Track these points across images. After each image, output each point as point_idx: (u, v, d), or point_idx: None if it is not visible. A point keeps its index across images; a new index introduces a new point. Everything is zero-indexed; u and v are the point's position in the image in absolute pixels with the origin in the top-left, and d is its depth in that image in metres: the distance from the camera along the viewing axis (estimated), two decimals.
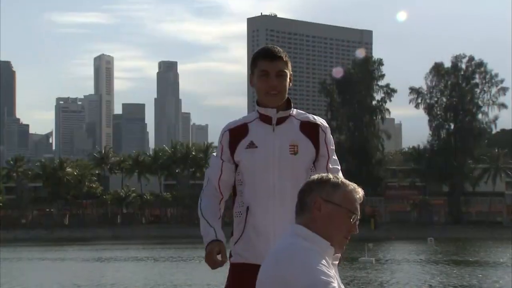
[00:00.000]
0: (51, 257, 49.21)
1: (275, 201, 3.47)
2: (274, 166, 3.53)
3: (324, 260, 2.40)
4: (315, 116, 3.70)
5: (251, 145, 3.57)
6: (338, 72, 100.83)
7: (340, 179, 2.55)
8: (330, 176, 2.55)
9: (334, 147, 3.72)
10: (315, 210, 2.48)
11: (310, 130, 3.61)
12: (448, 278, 30.63)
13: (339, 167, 3.70)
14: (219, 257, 3.46)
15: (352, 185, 2.57)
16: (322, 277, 2.33)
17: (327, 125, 3.69)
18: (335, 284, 2.36)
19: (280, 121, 3.61)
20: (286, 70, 3.58)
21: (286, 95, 3.64)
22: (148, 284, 27.81)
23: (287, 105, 3.65)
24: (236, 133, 3.63)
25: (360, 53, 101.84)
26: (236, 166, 3.62)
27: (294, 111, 3.67)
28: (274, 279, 2.38)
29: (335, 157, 3.70)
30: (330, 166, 3.64)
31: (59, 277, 32.54)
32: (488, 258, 45.58)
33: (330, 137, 3.68)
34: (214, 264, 3.46)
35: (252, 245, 3.51)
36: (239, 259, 3.58)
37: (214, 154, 3.73)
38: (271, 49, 3.61)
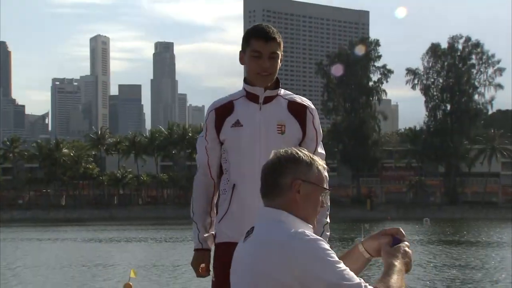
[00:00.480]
0: (48, 238, 49.30)
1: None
2: (261, 145, 3.46)
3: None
4: (302, 97, 3.62)
5: (237, 123, 3.50)
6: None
7: (310, 156, 2.41)
8: (300, 152, 2.38)
9: (321, 130, 3.65)
10: (295, 193, 2.35)
11: (297, 110, 3.54)
12: (447, 258, 30.73)
13: (324, 152, 3.65)
14: (203, 266, 3.56)
15: (320, 161, 2.46)
16: (345, 270, 2.27)
17: (314, 107, 3.62)
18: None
19: (267, 100, 3.52)
20: (278, 52, 3.48)
21: (274, 78, 3.54)
22: (146, 265, 27.84)
23: (275, 85, 3.55)
24: (222, 112, 3.54)
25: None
26: (222, 144, 3.55)
27: (282, 91, 3.58)
28: (287, 276, 2.24)
29: (321, 141, 3.65)
30: (319, 151, 3.58)
31: (56, 257, 32.57)
32: (487, 238, 45.78)
33: (318, 119, 3.62)
34: (197, 273, 3.57)
35: (238, 223, 3.44)
36: (225, 238, 3.53)
37: (201, 134, 3.66)
38: (265, 29, 3.47)
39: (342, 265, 2.24)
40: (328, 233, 3.52)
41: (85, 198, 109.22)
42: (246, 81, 3.56)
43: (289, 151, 2.40)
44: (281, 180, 2.36)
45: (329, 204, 3.47)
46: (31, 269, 27.43)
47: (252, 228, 2.40)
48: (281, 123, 3.49)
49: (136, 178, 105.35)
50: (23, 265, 29.01)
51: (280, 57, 3.50)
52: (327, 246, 2.27)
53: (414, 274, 24.37)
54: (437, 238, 45.69)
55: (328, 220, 3.54)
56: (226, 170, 3.58)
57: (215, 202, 3.69)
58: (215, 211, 3.68)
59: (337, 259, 2.26)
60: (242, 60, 3.56)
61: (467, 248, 36.66)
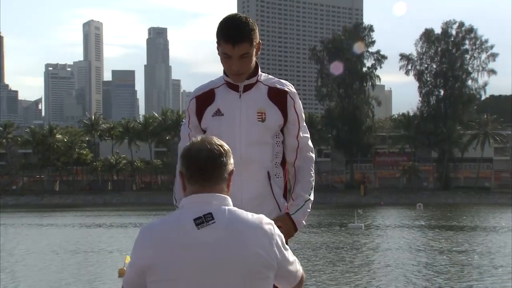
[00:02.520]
0: (42, 223, 49.33)
1: (242, 168, 3.35)
2: (241, 133, 3.44)
3: None
4: (283, 81, 3.56)
5: (218, 112, 3.48)
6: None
7: (227, 147, 2.57)
8: (224, 144, 2.55)
9: (303, 114, 3.63)
10: (230, 181, 2.54)
11: (278, 96, 3.50)
12: (440, 243, 30.90)
13: (308, 134, 3.65)
14: None
15: None
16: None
17: (295, 91, 3.57)
18: None
19: (247, 88, 3.48)
20: (250, 51, 3.35)
21: (252, 68, 3.47)
22: None
23: (255, 70, 3.50)
24: (203, 100, 3.52)
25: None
26: (204, 132, 3.53)
27: (262, 76, 3.53)
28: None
29: (304, 124, 3.61)
30: (301, 135, 3.58)
31: (50, 243, 32.61)
32: (480, 223, 46.02)
33: (299, 103, 3.57)
34: None
35: None
36: None
37: (184, 122, 3.64)
38: (233, 32, 3.29)
39: None
40: (309, 210, 3.50)
41: (79, 184, 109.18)
42: (225, 72, 3.51)
43: (218, 143, 2.53)
44: (223, 170, 2.51)
45: (313, 182, 3.56)
46: (24, 255, 27.46)
47: (207, 214, 2.43)
48: (261, 111, 3.46)
49: (130, 164, 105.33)
50: (17, 251, 29.03)
51: (254, 51, 3.39)
52: None
53: (406, 259, 24.53)
54: (430, 223, 45.92)
55: (312, 197, 3.53)
56: None
57: None
58: None
59: None
60: (218, 51, 3.44)
61: (459, 233, 36.88)
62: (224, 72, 3.51)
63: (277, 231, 2.50)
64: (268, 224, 2.48)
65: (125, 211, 67.62)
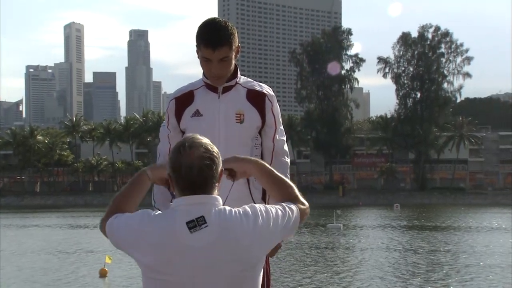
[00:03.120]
0: (23, 224, 48.91)
1: None
2: (220, 134, 3.44)
3: None
4: (261, 84, 3.57)
5: (197, 113, 3.48)
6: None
7: (216, 150, 2.58)
8: (213, 148, 2.55)
9: (280, 117, 3.64)
10: (220, 180, 2.56)
11: (256, 99, 3.50)
12: (416, 242, 31.09)
13: (285, 138, 3.66)
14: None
15: None
16: None
17: (273, 94, 3.58)
18: None
19: (226, 89, 3.48)
20: (230, 55, 3.34)
21: (231, 71, 3.47)
22: (121, 251, 27.80)
23: (234, 73, 3.50)
24: (182, 101, 3.51)
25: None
26: (183, 133, 3.52)
27: (241, 79, 3.53)
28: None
29: (281, 127, 3.63)
30: (277, 138, 3.59)
31: (31, 243, 32.37)
32: (455, 223, 46.37)
33: (276, 106, 3.57)
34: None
35: None
36: None
37: (163, 124, 3.63)
38: (213, 35, 3.27)
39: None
40: None
41: (60, 185, 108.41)
42: (205, 74, 3.50)
43: (208, 146, 2.53)
44: (214, 172, 2.51)
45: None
46: (5, 256, 27.22)
47: (199, 218, 2.43)
48: (239, 112, 3.45)
49: (111, 165, 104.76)
50: (2, 253, 28.77)
51: (233, 55, 3.37)
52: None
53: (384, 258, 24.67)
54: (407, 223, 46.19)
55: None
56: None
57: None
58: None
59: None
60: (198, 55, 3.43)
61: (435, 233, 37.14)
62: (204, 74, 3.51)
63: (259, 210, 2.52)
64: (257, 210, 2.52)
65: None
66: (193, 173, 2.46)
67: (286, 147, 3.66)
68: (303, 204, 2.74)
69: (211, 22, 3.33)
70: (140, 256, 2.48)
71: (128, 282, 18.95)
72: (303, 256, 25.65)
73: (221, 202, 2.52)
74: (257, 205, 2.55)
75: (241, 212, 2.50)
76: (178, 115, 3.52)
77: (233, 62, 3.42)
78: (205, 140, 2.54)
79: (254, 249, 2.46)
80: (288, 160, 3.67)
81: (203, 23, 3.36)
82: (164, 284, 2.44)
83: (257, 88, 3.54)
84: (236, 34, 3.37)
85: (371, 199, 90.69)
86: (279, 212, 2.57)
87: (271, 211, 2.54)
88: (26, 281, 20.00)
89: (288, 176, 3.57)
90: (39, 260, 25.41)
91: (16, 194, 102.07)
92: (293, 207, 2.65)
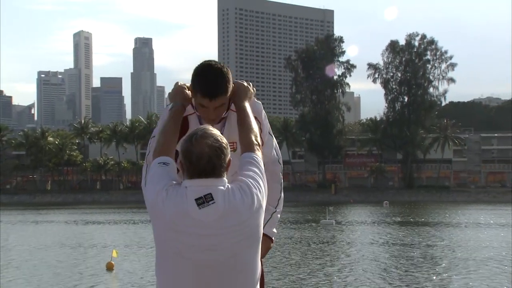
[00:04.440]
0: (34, 220, 48.81)
1: None
2: None
3: None
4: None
5: None
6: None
7: (225, 141, 2.71)
8: (223, 139, 2.67)
9: (268, 124, 3.42)
10: (228, 169, 2.67)
11: None
12: (404, 237, 31.07)
13: (274, 144, 3.44)
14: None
15: None
16: None
17: (260, 108, 3.36)
18: None
19: (219, 119, 3.29)
20: (225, 101, 3.16)
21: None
22: (127, 245, 27.75)
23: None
24: None
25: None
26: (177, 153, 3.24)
27: (231, 104, 3.28)
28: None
29: (270, 135, 3.41)
30: (265, 151, 3.31)
31: (43, 238, 32.30)
32: (441, 219, 46.37)
33: (266, 123, 3.36)
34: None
35: None
36: None
37: (153, 135, 3.33)
38: (210, 86, 3.08)
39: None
40: (277, 222, 3.45)
41: (69, 183, 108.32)
42: None
43: (216, 137, 2.64)
44: (223, 162, 2.64)
45: (281, 193, 3.47)
46: (18, 250, 27.16)
47: (207, 195, 2.53)
48: (232, 141, 3.24)
49: (117, 164, 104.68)
50: (11, 246, 28.70)
51: (228, 99, 3.18)
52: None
53: (374, 252, 24.64)
54: (395, 219, 46.18)
55: (278, 209, 3.43)
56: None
57: None
58: None
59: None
60: (191, 93, 3.21)
61: (422, 228, 37.12)
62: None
63: (251, 184, 2.64)
64: (259, 196, 2.63)
65: (112, 209, 67.17)
66: (203, 162, 2.55)
67: (275, 153, 3.45)
68: (259, 146, 2.89)
69: (207, 70, 3.10)
70: (157, 226, 2.60)
71: (133, 276, 18.89)
72: (296, 250, 25.61)
73: (226, 182, 2.61)
74: (251, 186, 2.64)
75: (241, 191, 2.60)
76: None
77: (225, 108, 3.22)
78: (216, 132, 2.63)
79: (251, 222, 2.57)
80: (278, 168, 3.45)
81: (199, 68, 3.13)
82: (175, 256, 2.54)
83: None
84: (231, 77, 3.16)
85: (361, 197, 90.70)
86: (261, 184, 2.70)
87: (259, 188, 2.66)
88: (37, 275, 19.93)
89: (279, 183, 3.46)
90: (48, 254, 25.34)
91: (28, 192, 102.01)
92: (258, 163, 2.81)
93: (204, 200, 2.52)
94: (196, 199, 2.52)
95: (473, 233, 33.79)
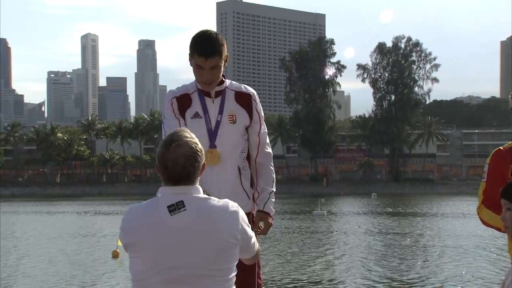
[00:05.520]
0: (45, 211, 48.70)
1: (219, 165, 3.42)
2: (217, 134, 3.45)
3: None
4: (246, 86, 3.57)
5: (196, 115, 3.46)
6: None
7: (200, 146, 2.56)
8: (197, 143, 2.52)
9: (262, 112, 3.62)
10: (201, 174, 2.53)
11: (244, 100, 3.50)
12: (391, 227, 31.05)
13: (266, 131, 3.65)
14: None
15: None
16: None
17: (256, 93, 3.59)
18: None
19: (218, 93, 3.49)
20: (220, 63, 3.36)
21: (220, 77, 3.46)
22: None
23: (221, 79, 3.50)
24: (182, 102, 3.48)
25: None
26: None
27: (228, 82, 3.53)
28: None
29: (263, 121, 3.62)
30: (262, 131, 3.58)
31: (53, 228, 32.21)
32: (425, 210, 46.38)
33: (259, 104, 3.57)
34: None
35: None
36: None
37: (164, 119, 3.53)
38: (206, 45, 3.29)
39: None
40: (273, 200, 3.56)
41: (78, 177, 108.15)
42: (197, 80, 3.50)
43: (192, 143, 2.49)
44: (198, 167, 2.49)
45: (274, 175, 3.64)
46: (31, 239, 27.09)
47: (179, 202, 2.42)
48: (232, 114, 3.47)
49: (123, 159, 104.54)
50: (25, 235, 28.63)
51: (222, 63, 3.38)
52: None
53: (363, 240, 24.62)
54: (384, 210, 46.20)
55: (274, 189, 3.58)
56: None
57: None
58: None
59: None
60: (190, 62, 3.44)
61: (408, 219, 37.12)
62: (196, 80, 3.49)
63: (240, 211, 2.51)
64: (234, 206, 2.49)
65: (118, 201, 67.06)
66: (178, 169, 2.44)
67: (268, 139, 3.66)
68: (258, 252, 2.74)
69: (204, 34, 3.33)
70: (125, 235, 2.46)
71: None
72: (291, 238, 25.58)
73: (201, 191, 2.49)
74: (240, 209, 2.54)
75: (223, 204, 2.48)
76: (182, 113, 3.49)
77: (222, 70, 3.42)
78: (191, 138, 2.49)
79: (226, 233, 2.43)
80: (271, 150, 3.67)
81: (196, 34, 3.36)
82: (148, 261, 2.40)
83: (243, 90, 3.54)
84: (225, 45, 3.37)
85: (351, 189, 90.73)
86: (251, 234, 2.59)
87: (249, 226, 2.56)
88: (48, 262, 19.86)
89: (272, 165, 3.64)
90: (58, 243, 25.27)
91: (39, 184, 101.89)
92: (257, 244, 2.69)
93: (175, 207, 2.42)
94: (168, 206, 2.42)
95: (459, 223, 33.79)
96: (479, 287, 13.79)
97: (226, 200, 2.52)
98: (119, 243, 20.78)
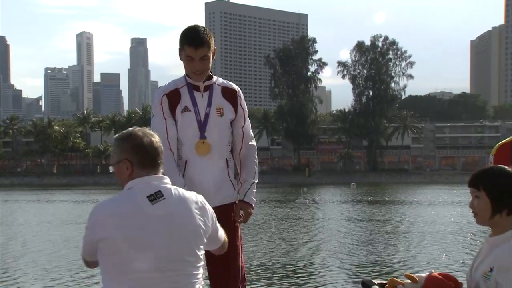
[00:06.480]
0: (43, 199, 48.25)
1: (208, 157, 3.42)
2: (206, 126, 3.43)
3: None
4: (231, 83, 3.57)
5: (186, 109, 3.43)
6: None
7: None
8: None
9: (246, 107, 3.60)
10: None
11: (230, 95, 3.50)
12: (369, 214, 31.09)
13: (250, 124, 3.66)
14: None
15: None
16: None
17: (240, 89, 3.59)
18: None
19: (206, 88, 3.47)
20: (209, 54, 3.35)
21: (209, 71, 3.45)
22: None
23: (210, 74, 3.50)
24: (172, 97, 3.45)
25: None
26: (176, 122, 3.45)
27: (214, 78, 3.51)
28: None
29: (247, 116, 3.62)
30: (245, 125, 3.58)
31: (51, 216, 31.89)
32: (401, 198, 46.53)
33: (243, 100, 3.59)
34: None
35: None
36: None
37: (152, 117, 3.49)
38: (195, 36, 3.30)
39: None
40: (255, 191, 3.55)
41: (73, 167, 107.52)
42: (187, 75, 3.47)
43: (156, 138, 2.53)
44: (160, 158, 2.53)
45: (257, 167, 3.62)
46: (30, 226, 26.81)
47: (157, 192, 2.41)
48: (219, 107, 3.46)
49: None
50: (24, 222, 28.32)
51: (211, 55, 3.38)
52: None
53: (344, 228, 24.59)
54: (362, 198, 46.30)
55: (256, 180, 3.57)
56: (178, 148, 3.50)
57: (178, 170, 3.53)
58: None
59: None
60: (180, 57, 3.41)
61: (386, 206, 37.21)
62: (186, 75, 3.45)
63: (207, 204, 2.55)
64: (200, 197, 2.53)
65: (112, 190, 66.62)
66: (153, 149, 2.47)
67: (251, 132, 3.63)
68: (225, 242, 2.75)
69: (193, 27, 3.36)
70: (95, 230, 2.38)
71: None
72: (275, 226, 25.48)
73: (169, 181, 2.49)
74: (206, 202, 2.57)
75: (193, 195, 2.51)
76: (172, 109, 3.43)
77: (211, 62, 3.40)
78: (151, 133, 2.53)
79: (200, 221, 2.46)
80: (255, 143, 3.64)
81: (186, 28, 3.38)
82: (132, 251, 2.32)
83: (229, 86, 3.52)
84: (213, 39, 3.38)
85: (332, 179, 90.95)
86: (218, 225, 2.63)
87: (214, 218, 2.58)
88: (43, 250, 19.60)
89: (256, 157, 3.61)
90: (57, 230, 24.99)
91: (37, 175, 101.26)
92: (224, 235, 2.72)
93: (155, 197, 2.40)
94: (147, 196, 2.40)
95: (433, 209, 33.91)
96: (456, 269, 13.76)
97: (193, 191, 2.53)
98: None
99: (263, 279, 13.07)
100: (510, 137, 3.42)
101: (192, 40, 3.30)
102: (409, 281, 2.52)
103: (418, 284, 2.51)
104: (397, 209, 34.96)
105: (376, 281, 2.58)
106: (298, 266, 14.85)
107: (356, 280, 12.80)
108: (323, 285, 12.39)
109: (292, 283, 12.70)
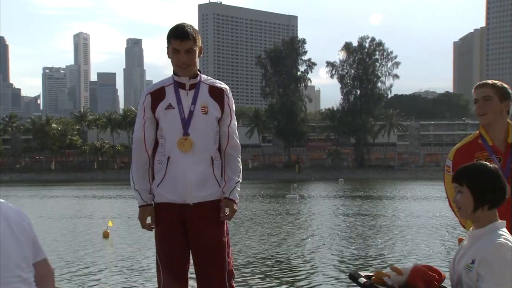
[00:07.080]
0: (41, 195, 47.98)
1: (191, 154, 3.35)
2: (190, 124, 3.36)
3: None
4: (219, 81, 3.50)
5: (169, 106, 3.37)
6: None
7: None
8: None
9: (234, 106, 3.52)
10: None
11: (216, 93, 3.42)
12: (356, 209, 31.13)
13: (236, 124, 3.55)
14: (149, 219, 3.44)
15: None
16: None
17: (229, 88, 3.51)
18: None
19: (192, 86, 3.41)
20: (194, 47, 3.33)
21: (196, 66, 3.41)
22: (120, 216, 27.36)
23: (197, 73, 3.46)
24: (156, 96, 3.41)
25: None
26: (157, 122, 3.41)
27: (203, 77, 3.47)
28: None
29: (234, 116, 3.54)
30: (231, 124, 3.50)
31: (49, 210, 31.72)
32: (387, 193, 46.67)
33: (232, 98, 3.49)
34: (142, 226, 3.46)
35: (173, 188, 3.37)
36: (163, 199, 3.44)
37: (138, 115, 3.49)
38: (181, 30, 3.31)
39: None
40: (239, 189, 3.50)
41: (71, 164, 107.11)
42: (175, 73, 3.43)
43: None
44: None
45: (241, 166, 3.55)
46: (35, 220, 26.54)
47: None
48: (204, 105, 3.38)
49: (112, 147, 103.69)
50: (37, 216, 28.05)
51: (197, 50, 3.37)
52: None
53: (333, 222, 24.61)
54: (349, 194, 46.39)
55: (240, 179, 3.50)
56: (162, 145, 3.44)
57: (150, 171, 3.49)
58: (151, 179, 3.49)
59: None
60: (168, 55, 3.39)
61: (372, 201, 37.29)
62: (174, 73, 3.41)
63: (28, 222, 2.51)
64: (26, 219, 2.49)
65: (108, 186, 66.38)
66: None
67: (237, 133, 3.55)
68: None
69: (180, 23, 3.36)
70: None
71: (125, 241, 18.58)
72: (265, 221, 25.47)
73: None
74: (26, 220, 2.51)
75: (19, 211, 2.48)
76: (153, 107, 3.39)
77: (197, 59, 3.37)
78: None
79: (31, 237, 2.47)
80: (239, 143, 3.56)
81: (173, 25, 3.38)
82: None
83: (217, 84, 3.45)
84: (199, 37, 3.38)
85: (321, 175, 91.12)
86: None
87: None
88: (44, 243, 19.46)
89: (240, 157, 3.52)
90: (55, 224, 24.86)
91: (35, 171, 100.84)
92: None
93: None
94: None
95: (419, 204, 34.01)
96: (440, 261, 13.79)
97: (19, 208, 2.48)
98: (110, 224, 20.59)
99: (254, 273, 13.06)
100: (464, 139, 3.42)
101: (177, 33, 3.30)
102: (394, 273, 2.51)
103: (403, 276, 2.50)
104: (383, 204, 35.05)
105: (363, 273, 2.56)
106: (288, 259, 14.85)
107: (344, 272, 12.80)
108: (312, 278, 12.38)
109: (281, 276, 12.69)
